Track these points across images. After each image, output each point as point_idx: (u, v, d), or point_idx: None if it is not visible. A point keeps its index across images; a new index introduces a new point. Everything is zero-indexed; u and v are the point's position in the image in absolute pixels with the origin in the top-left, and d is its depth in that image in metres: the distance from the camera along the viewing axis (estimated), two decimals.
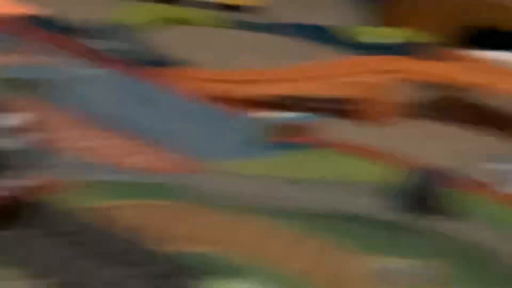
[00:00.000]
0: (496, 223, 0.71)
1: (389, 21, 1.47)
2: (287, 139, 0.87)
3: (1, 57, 0.97)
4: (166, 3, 1.49)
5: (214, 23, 1.50)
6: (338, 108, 1.09)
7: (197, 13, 1.53)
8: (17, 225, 0.57)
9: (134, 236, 0.58)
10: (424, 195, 0.71)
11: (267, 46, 1.30)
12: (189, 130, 0.86)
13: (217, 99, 0.94)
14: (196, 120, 0.89)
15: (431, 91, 1.26)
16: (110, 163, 0.75)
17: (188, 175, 0.73)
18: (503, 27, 1.28)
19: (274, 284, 0.56)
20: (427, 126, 1.09)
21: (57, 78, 0.94)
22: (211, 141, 0.84)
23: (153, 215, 0.64)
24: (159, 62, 1.08)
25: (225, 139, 0.83)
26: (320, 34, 1.54)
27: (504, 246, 0.66)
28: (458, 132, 1.09)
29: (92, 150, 0.77)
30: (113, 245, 0.56)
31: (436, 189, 0.71)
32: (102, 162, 0.75)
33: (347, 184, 0.77)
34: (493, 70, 1.10)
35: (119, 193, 0.68)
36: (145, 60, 1.08)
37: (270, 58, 1.17)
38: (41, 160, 0.62)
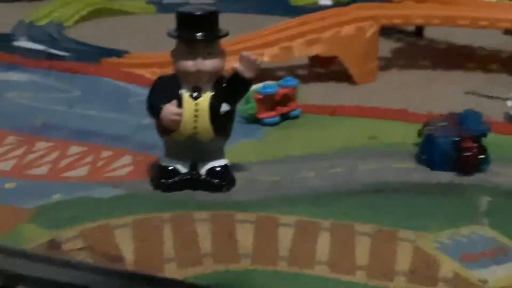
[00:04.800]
0: None
1: None
2: (278, 111, 0.75)
3: None
4: None
5: (145, 10, 1.39)
6: (319, 70, 1.00)
7: (128, 3, 1.42)
8: None
9: None
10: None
11: None
12: None
13: None
14: None
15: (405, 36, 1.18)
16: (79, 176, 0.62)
17: None
18: None
19: None
20: (415, 76, 1.00)
21: None
22: None
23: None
24: (97, 54, 0.98)
25: None
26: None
27: None
28: (450, 76, 1.01)
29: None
30: None
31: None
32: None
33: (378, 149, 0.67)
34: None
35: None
36: (82, 54, 0.99)
37: None
38: None
